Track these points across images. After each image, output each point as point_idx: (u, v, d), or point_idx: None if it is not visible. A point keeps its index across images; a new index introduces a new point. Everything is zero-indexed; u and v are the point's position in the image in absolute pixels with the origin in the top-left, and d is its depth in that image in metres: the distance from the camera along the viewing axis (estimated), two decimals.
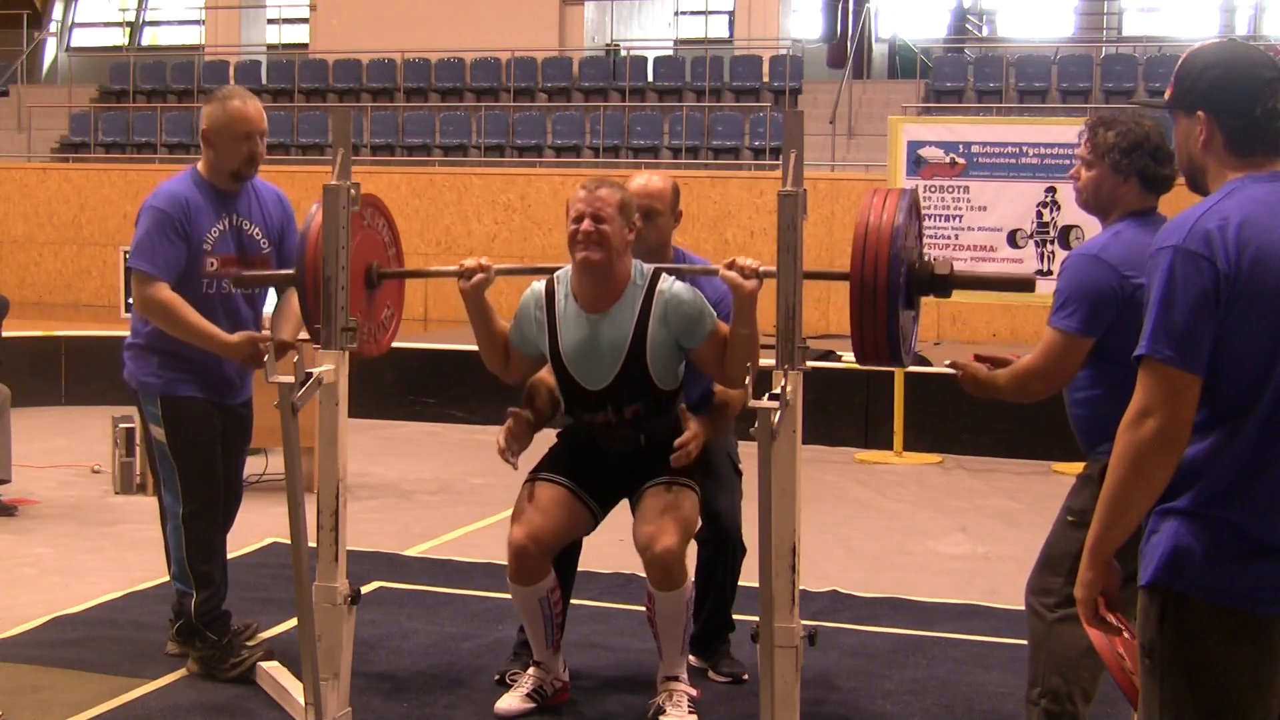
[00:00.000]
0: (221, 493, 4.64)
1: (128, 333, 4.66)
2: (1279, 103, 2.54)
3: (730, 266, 3.87)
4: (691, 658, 4.52)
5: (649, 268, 4.18)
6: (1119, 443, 2.46)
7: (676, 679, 4.29)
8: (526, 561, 4.19)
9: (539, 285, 4.26)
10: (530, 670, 4.38)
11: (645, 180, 4.51)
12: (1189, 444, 2.47)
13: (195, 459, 4.54)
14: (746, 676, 4.63)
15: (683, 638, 4.28)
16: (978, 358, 3.69)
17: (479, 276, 4.12)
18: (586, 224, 4.04)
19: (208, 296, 4.50)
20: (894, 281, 3.60)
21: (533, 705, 4.31)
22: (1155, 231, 3.46)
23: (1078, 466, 3.85)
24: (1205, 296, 2.41)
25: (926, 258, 3.80)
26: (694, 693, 4.30)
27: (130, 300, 7.84)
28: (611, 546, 6.05)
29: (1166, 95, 2.65)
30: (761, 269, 3.85)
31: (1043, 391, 3.56)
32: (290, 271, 4.32)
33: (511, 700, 4.32)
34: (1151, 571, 2.52)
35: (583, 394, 4.20)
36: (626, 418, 4.19)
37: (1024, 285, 4.24)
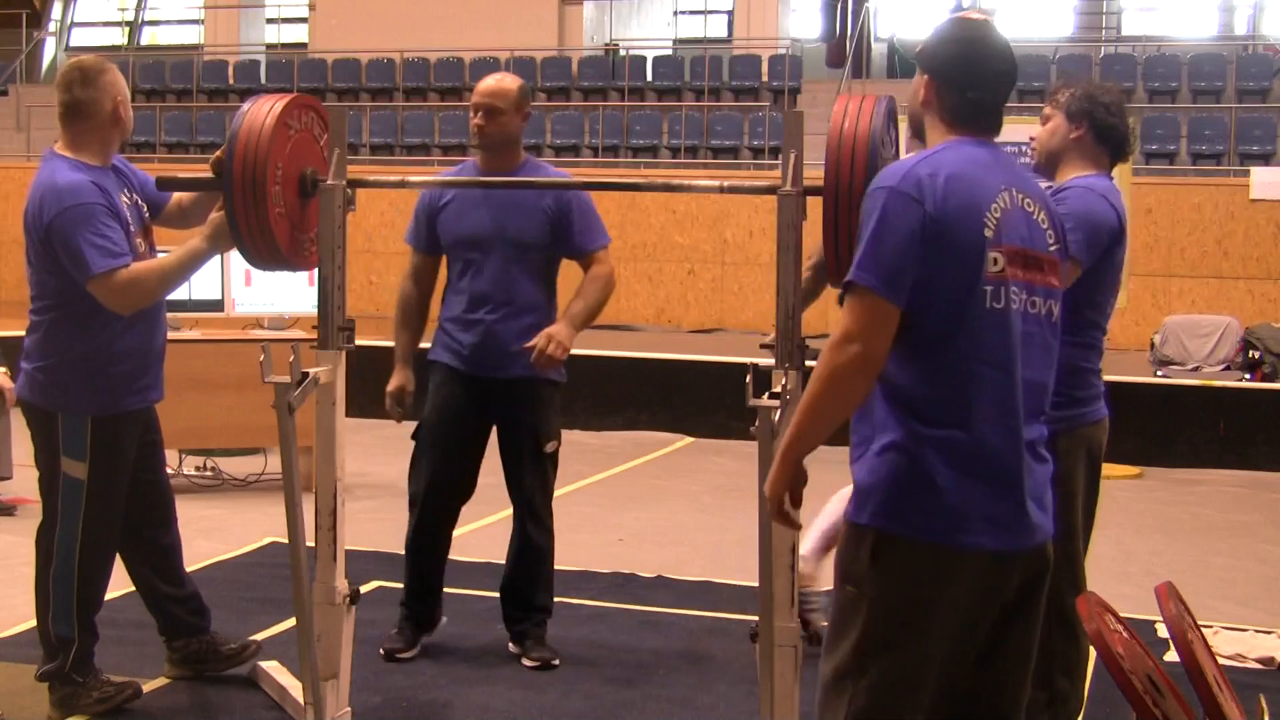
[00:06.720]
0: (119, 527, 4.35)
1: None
2: (997, 95, 2.76)
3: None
4: (511, 645, 4.74)
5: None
6: (821, 360, 2.63)
7: None
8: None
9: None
10: None
11: (495, 80, 4.73)
12: (902, 376, 2.64)
13: (111, 490, 4.23)
14: (558, 662, 4.68)
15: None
16: None
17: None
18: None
19: None
20: None
21: None
22: (1103, 193, 3.66)
23: None
24: (912, 236, 2.60)
25: None
26: None
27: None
28: (611, 546, 6.05)
29: (918, 48, 2.86)
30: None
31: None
32: (214, 176, 3.93)
33: None
34: (862, 509, 2.67)
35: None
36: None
37: None
